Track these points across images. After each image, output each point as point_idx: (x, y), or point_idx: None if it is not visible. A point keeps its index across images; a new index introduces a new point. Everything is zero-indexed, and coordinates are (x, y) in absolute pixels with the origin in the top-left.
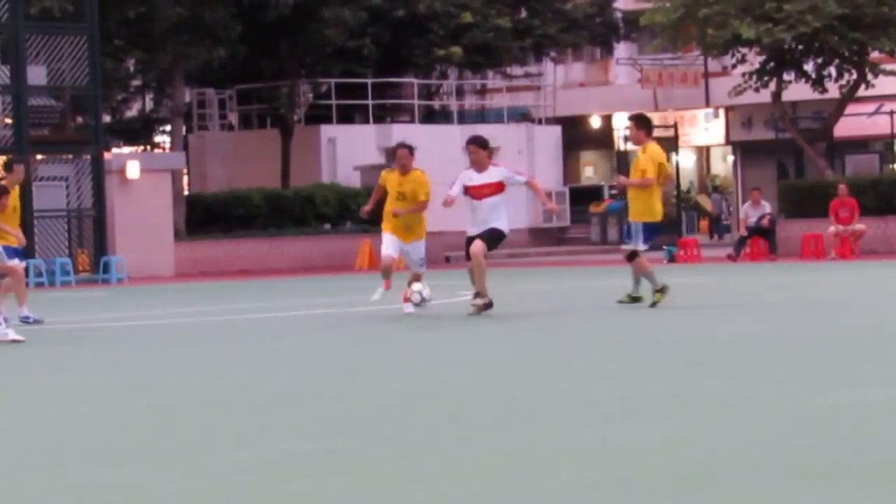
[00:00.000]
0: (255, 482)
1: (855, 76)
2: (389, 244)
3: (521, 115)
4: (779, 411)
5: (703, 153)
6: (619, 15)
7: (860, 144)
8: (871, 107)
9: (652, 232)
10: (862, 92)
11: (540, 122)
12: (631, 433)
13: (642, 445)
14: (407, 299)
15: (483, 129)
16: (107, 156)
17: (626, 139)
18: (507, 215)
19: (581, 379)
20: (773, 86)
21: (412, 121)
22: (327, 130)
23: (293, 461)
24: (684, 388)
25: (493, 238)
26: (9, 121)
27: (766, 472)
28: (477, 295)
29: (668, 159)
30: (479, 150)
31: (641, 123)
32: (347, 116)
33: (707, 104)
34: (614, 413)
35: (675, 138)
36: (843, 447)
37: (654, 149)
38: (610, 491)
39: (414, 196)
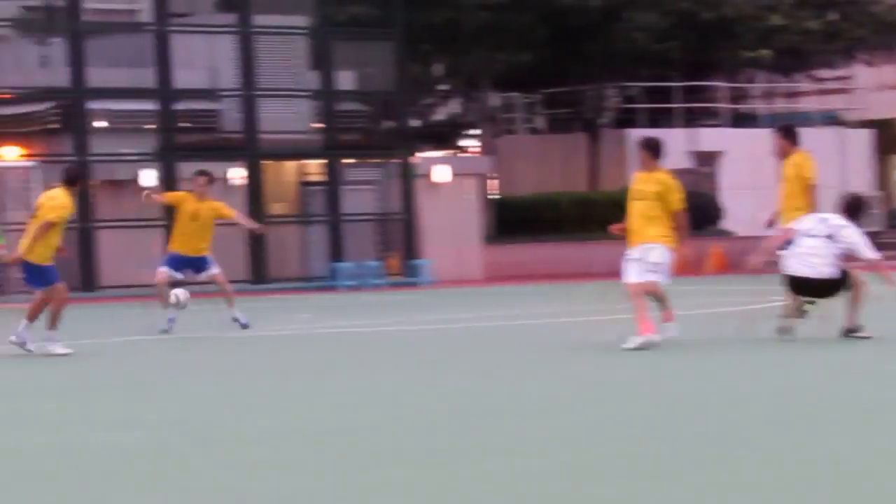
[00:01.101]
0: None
1: None
2: None
3: (831, 119)
4: None
5: None
6: None
7: None
8: None
9: None
10: None
11: (850, 125)
12: None
13: None
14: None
15: None
16: (414, 160)
17: None
18: None
19: None
20: None
21: (720, 124)
22: (635, 134)
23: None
24: None
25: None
26: (318, 126)
27: None
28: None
29: None
30: None
31: None
32: (655, 120)
33: None
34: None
35: None
36: None
37: None
38: None
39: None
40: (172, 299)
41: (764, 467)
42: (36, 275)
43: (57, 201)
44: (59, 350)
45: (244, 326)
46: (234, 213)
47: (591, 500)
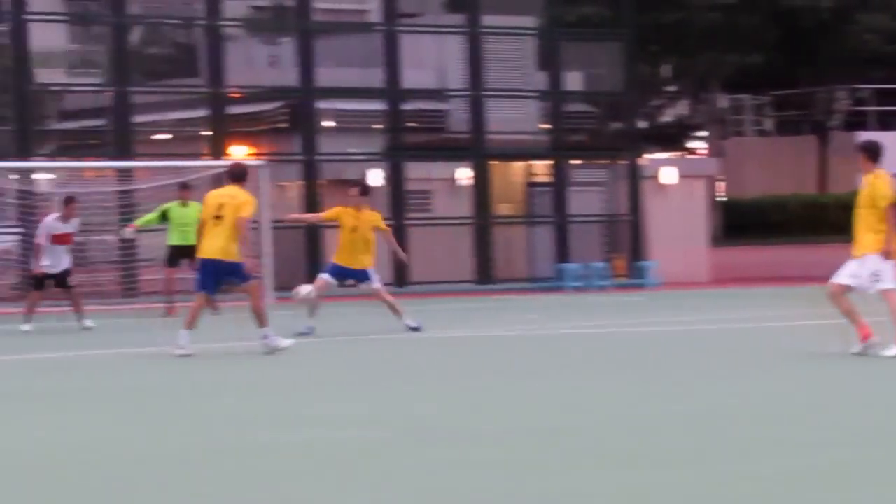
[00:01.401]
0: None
1: None
2: None
3: None
4: None
5: None
6: None
7: None
8: None
9: None
10: None
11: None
12: None
13: None
14: None
15: None
16: (642, 161)
17: None
18: None
19: None
20: None
21: None
22: (865, 137)
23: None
24: None
25: None
26: (545, 126)
27: None
28: None
29: None
30: None
31: None
32: (886, 122)
33: None
34: None
35: None
36: None
37: None
38: None
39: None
40: (302, 292)
41: None
42: (233, 273)
43: (242, 198)
44: (283, 343)
45: (415, 329)
46: (389, 230)
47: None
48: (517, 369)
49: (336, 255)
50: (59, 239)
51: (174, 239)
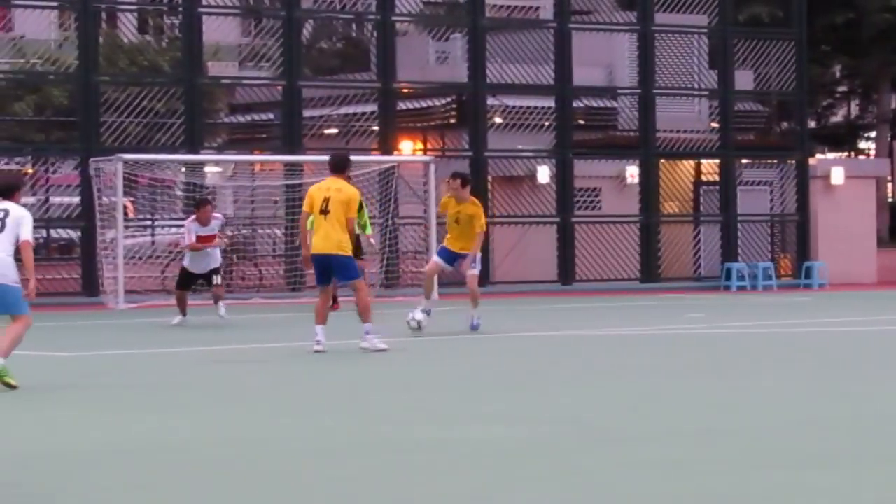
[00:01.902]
0: None
1: None
2: None
3: None
4: None
5: None
6: None
7: None
8: None
9: None
10: None
11: None
12: None
13: None
14: None
15: None
16: (811, 161)
17: None
18: None
19: None
20: None
21: None
22: None
23: None
24: None
25: None
26: (715, 125)
27: None
28: None
29: None
30: None
31: None
32: None
33: None
34: None
35: None
36: None
37: None
38: None
39: None
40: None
41: None
42: (349, 269)
43: (348, 192)
44: (381, 345)
45: (474, 328)
46: (482, 230)
47: None
48: (676, 368)
49: (446, 240)
50: (202, 240)
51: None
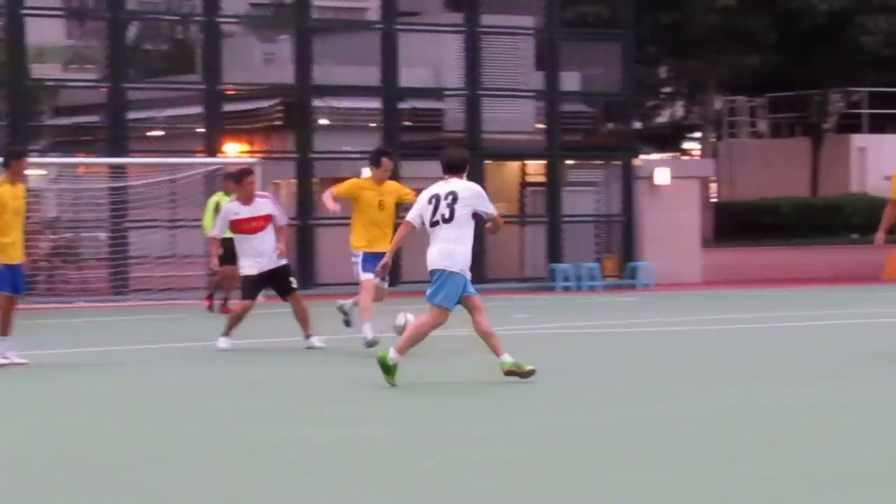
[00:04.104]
0: (783, 491)
1: None
2: None
3: None
4: None
5: None
6: None
7: None
8: None
9: None
10: None
11: None
12: None
13: None
14: None
15: None
16: (637, 162)
17: None
18: None
19: None
20: None
21: None
22: (858, 140)
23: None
24: None
25: None
26: (541, 126)
27: None
28: None
29: None
30: None
31: None
32: (879, 126)
33: None
34: None
35: None
36: None
37: None
38: None
39: None
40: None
41: None
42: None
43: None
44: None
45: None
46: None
47: None
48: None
49: (361, 240)
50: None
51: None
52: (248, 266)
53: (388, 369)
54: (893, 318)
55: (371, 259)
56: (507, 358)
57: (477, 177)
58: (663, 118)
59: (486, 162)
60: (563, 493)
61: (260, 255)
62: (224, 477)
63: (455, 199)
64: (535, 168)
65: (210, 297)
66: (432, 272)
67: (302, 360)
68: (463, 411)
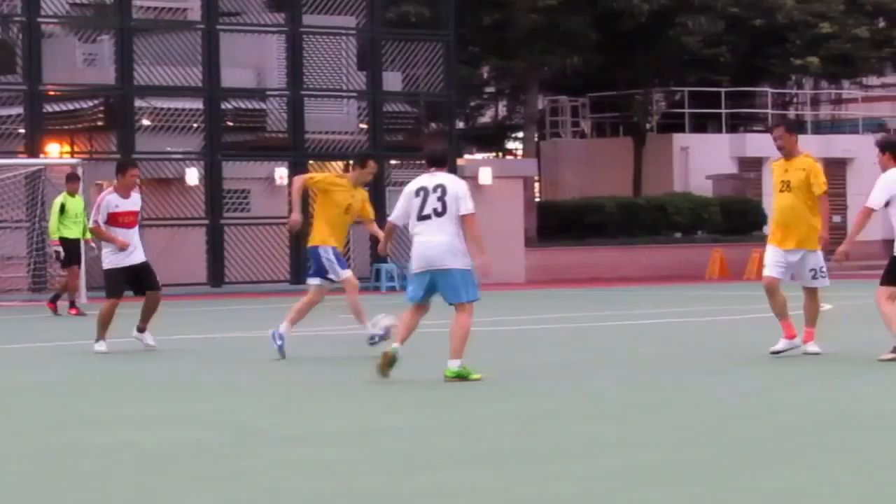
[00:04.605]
0: (611, 489)
1: None
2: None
3: (878, 126)
4: None
5: None
6: None
7: None
8: None
9: None
10: None
11: None
12: None
13: None
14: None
15: (838, 140)
16: (460, 162)
17: None
18: None
19: None
20: None
21: (766, 130)
22: (680, 139)
23: (653, 470)
24: None
25: None
26: (364, 126)
27: None
28: None
29: None
30: None
31: None
32: (701, 125)
33: None
34: None
35: None
36: None
37: None
38: None
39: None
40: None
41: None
42: None
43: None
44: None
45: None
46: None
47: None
48: (342, 368)
49: (328, 238)
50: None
51: (72, 232)
52: (116, 260)
53: (467, 375)
54: (715, 316)
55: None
56: (454, 365)
57: None
58: (486, 118)
59: (310, 162)
60: (380, 492)
61: (134, 248)
62: (42, 481)
63: (445, 192)
64: None
65: (55, 301)
66: (447, 271)
67: (130, 359)
68: (281, 410)
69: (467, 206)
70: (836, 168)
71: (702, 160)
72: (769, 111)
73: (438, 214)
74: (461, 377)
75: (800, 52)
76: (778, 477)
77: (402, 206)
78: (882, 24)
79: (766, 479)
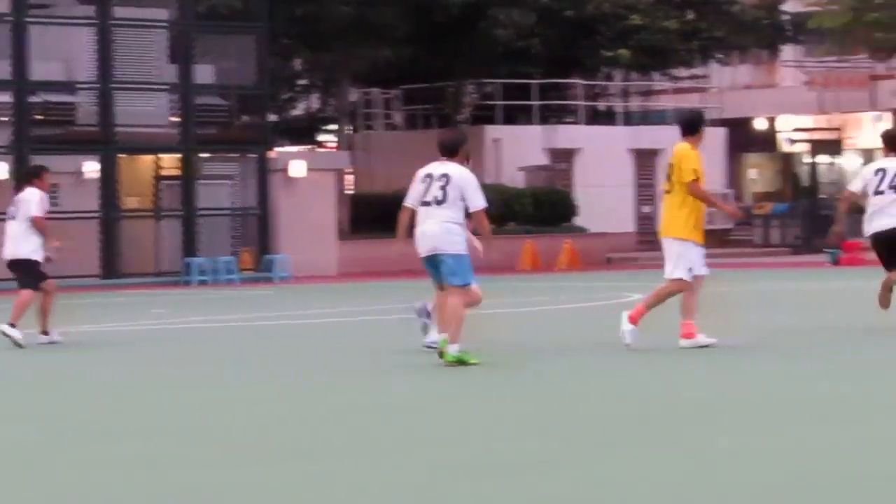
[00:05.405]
0: (436, 482)
1: None
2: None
3: None
4: None
5: (869, 156)
6: (786, 17)
7: None
8: None
9: None
10: None
11: (705, 124)
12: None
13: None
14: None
15: (647, 131)
16: (272, 154)
17: (792, 141)
18: None
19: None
20: None
21: (577, 122)
22: (492, 131)
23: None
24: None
25: None
26: (176, 119)
27: None
28: None
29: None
30: None
31: None
32: (513, 117)
33: (873, 107)
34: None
35: (840, 141)
36: None
37: None
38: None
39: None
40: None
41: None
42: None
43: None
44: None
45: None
46: None
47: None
48: (142, 363)
49: None
50: None
51: None
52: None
53: (466, 360)
54: (521, 308)
55: None
56: (452, 350)
57: (109, 171)
58: (299, 111)
59: (120, 156)
60: (197, 487)
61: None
62: None
63: (448, 181)
64: (170, 161)
65: None
66: (444, 256)
67: None
68: (105, 406)
69: (476, 202)
70: (645, 159)
71: (514, 152)
72: (580, 103)
73: (438, 202)
74: (461, 362)
75: (610, 44)
76: (594, 469)
77: (412, 191)
78: (691, 16)
79: (588, 472)
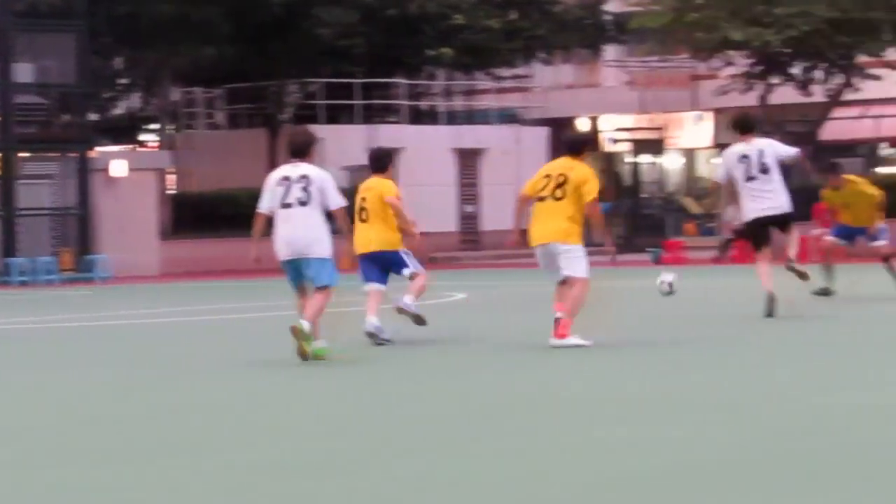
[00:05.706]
0: (249, 482)
1: (842, 80)
2: None
3: (509, 117)
4: (777, 412)
5: (690, 156)
6: (608, 17)
7: (846, 148)
8: (856, 111)
9: None
10: (848, 96)
11: (528, 123)
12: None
13: (637, 446)
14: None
15: (471, 131)
16: (92, 154)
17: (615, 141)
18: None
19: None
20: (760, 89)
21: (400, 121)
22: (315, 131)
23: (285, 463)
24: (682, 390)
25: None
26: None
27: (761, 474)
28: None
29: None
30: None
31: None
32: (336, 117)
33: (694, 107)
34: (610, 414)
35: (662, 141)
36: (837, 449)
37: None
38: (604, 491)
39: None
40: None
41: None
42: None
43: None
44: None
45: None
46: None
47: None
48: None
49: None
50: None
51: None
52: None
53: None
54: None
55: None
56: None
57: None
58: (120, 110)
59: None
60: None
61: None
62: None
63: (310, 182)
64: None
65: None
66: (310, 259)
67: None
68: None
69: (336, 201)
70: (468, 158)
71: (337, 152)
72: (403, 102)
73: (302, 203)
74: (319, 357)
75: (433, 43)
76: (408, 468)
77: (267, 196)
78: (514, 15)
79: (398, 470)
